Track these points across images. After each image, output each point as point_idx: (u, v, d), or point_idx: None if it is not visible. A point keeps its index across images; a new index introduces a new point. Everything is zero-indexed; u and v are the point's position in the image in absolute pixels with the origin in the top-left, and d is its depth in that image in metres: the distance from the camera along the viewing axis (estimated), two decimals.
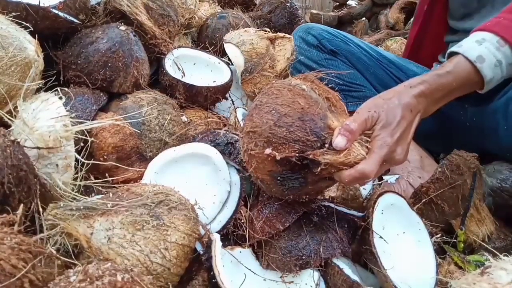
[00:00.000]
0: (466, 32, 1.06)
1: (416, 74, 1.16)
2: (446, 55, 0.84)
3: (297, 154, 0.67)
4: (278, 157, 0.67)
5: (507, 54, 0.79)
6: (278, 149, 0.68)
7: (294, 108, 0.69)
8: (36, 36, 0.87)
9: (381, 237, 0.77)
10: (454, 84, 0.78)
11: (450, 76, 0.77)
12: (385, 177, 1.07)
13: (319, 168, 0.68)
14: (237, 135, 0.98)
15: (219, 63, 1.28)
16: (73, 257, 0.64)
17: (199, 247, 0.73)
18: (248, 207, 0.85)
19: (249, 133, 0.71)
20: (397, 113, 0.72)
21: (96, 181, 0.79)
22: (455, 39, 1.11)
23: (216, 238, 0.70)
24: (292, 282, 0.76)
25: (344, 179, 0.69)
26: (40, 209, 0.66)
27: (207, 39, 1.43)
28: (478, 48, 0.78)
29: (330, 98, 0.74)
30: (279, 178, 0.71)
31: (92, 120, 0.91)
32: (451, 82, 0.78)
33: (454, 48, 0.81)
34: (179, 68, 1.21)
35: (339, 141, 0.67)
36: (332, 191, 0.93)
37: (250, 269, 0.74)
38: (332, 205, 0.86)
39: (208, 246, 0.69)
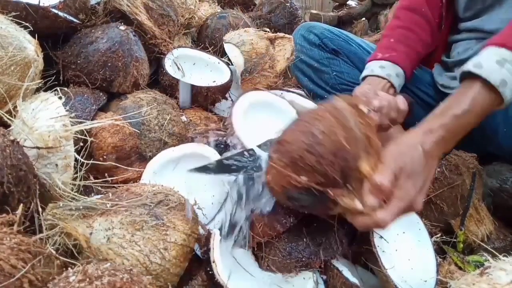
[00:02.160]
0: (471, 32, 1.05)
1: (416, 75, 1.17)
2: (461, 73, 0.78)
3: (319, 188, 0.64)
4: (299, 185, 0.65)
5: None
6: (301, 173, 0.64)
7: (331, 140, 0.64)
8: (36, 35, 0.87)
9: (381, 237, 0.77)
10: (473, 121, 0.75)
11: (470, 115, 0.74)
12: None
13: (335, 207, 0.67)
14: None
15: (219, 63, 1.28)
16: (73, 257, 0.64)
17: (197, 250, 0.73)
18: None
19: (279, 143, 0.68)
20: (421, 163, 0.69)
21: (96, 181, 0.79)
22: (459, 38, 1.10)
23: (216, 232, 0.70)
24: (292, 284, 0.76)
25: (357, 225, 0.68)
26: (40, 209, 0.65)
27: (207, 39, 1.43)
28: (500, 71, 0.72)
29: (369, 137, 0.69)
30: (292, 196, 0.69)
31: (92, 120, 0.91)
32: (471, 121, 0.75)
33: (473, 69, 0.75)
34: (179, 68, 1.21)
35: (371, 201, 0.65)
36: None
37: (246, 270, 0.74)
38: None
39: (207, 239, 0.69)
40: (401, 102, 0.89)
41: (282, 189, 0.68)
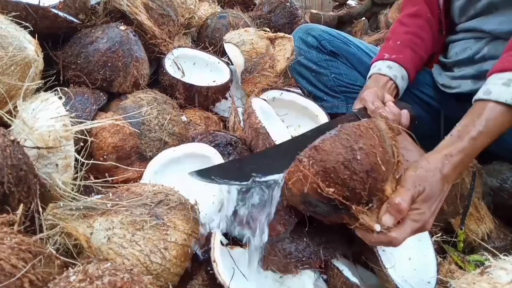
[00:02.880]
0: (469, 31, 1.05)
1: (416, 76, 1.17)
2: (473, 101, 0.82)
3: (343, 201, 0.65)
4: (323, 193, 0.65)
5: None
6: (330, 184, 0.65)
7: (369, 159, 0.65)
8: (36, 35, 0.87)
9: None
10: (489, 141, 0.77)
11: (486, 136, 0.76)
12: None
13: (351, 221, 0.67)
14: (236, 136, 0.98)
15: (219, 63, 1.28)
16: (73, 257, 0.64)
17: (198, 251, 0.73)
18: None
19: (315, 149, 0.67)
20: (438, 188, 0.72)
21: (96, 181, 0.79)
22: (456, 38, 1.10)
23: (216, 231, 0.70)
24: (292, 283, 0.76)
25: (369, 241, 0.69)
26: (40, 209, 0.65)
27: (207, 39, 1.43)
28: (508, 89, 0.76)
29: (398, 163, 0.70)
30: (309, 201, 0.69)
31: (92, 120, 0.91)
32: (487, 141, 0.77)
33: (482, 96, 0.78)
34: (179, 68, 1.21)
35: (387, 220, 0.67)
36: None
37: (241, 271, 0.74)
38: None
39: (207, 239, 0.69)
40: (405, 117, 0.91)
41: (302, 193, 0.68)
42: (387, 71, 1.04)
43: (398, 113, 0.90)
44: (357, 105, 0.93)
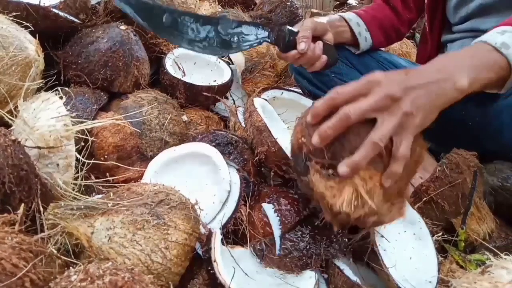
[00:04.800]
0: (466, 32, 1.05)
1: None
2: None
3: (307, 152, 0.64)
4: (298, 143, 0.65)
5: None
6: (304, 135, 0.64)
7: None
8: (37, 35, 0.87)
9: (382, 235, 0.77)
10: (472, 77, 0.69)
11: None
12: None
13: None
14: (237, 135, 0.98)
15: (219, 62, 1.28)
16: (74, 256, 0.64)
17: (199, 250, 0.73)
18: (247, 206, 0.85)
19: (309, 108, 0.66)
20: (397, 76, 0.63)
21: (97, 180, 0.79)
22: (453, 38, 1.10)
23: (217, 231, 0.70)
24: (293, 282, 0.76)
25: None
26: (41, 209, 0.66)
27: None
28: (501, 37, 0.71)
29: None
30: (294, 155, 0.70)
31: (93, 119, 0.92)
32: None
33: (474, 42, 0.75)
34: (179, 68, 1.21)
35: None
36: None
37: (243, 270, 0.74)
38: None
39: (208, 238, 0.69)
40: (318, 48, 0.97)
41: (292, 149, 0.70)
42: (345, 15, 1.12)
43: (317, 55, 0.97)
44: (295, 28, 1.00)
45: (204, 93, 1.14)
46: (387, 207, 0.62)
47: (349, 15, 1.14)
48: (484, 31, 0.98)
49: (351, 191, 0.60)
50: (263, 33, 1.00)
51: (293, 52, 0.98)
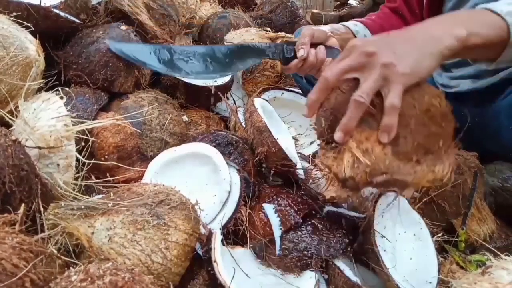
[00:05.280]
0: None
1: None
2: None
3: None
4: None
5: None
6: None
7: (337, 100, 0.64)
8: (37, 36, 0.87)
9: (383, 236, 0.77)
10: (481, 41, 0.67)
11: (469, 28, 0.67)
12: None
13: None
14: (237, 136, 0.98)
15: None
16: (74, 256, 0.64)
17: (199, 251, 0.73)
18: (248, 206, 0.85)
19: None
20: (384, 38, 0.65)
21: (97, 180, 0.79)
22: None
23: (217, 231, 0.70)
24: (293, 283, 0.76)
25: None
26: (41, 209, 0.66)
27: (208, 39, 1.43)
28: (508, 6, 0.68)
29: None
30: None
31: (93, 119, 0.91)
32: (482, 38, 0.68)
33: (479, 7, 0.72)
34: None
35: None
36: (332, 191, 0.93)
37: (243, 271, 0.74)
38: (333, 208, 0.86)
39: (208, 239, 0.69)
40: (320, 52, 0.97)
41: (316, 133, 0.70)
42: (351, 25, 1.10)
43: (320, 59, 0.95)
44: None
45: (206, 91, 1.14)
46: (403, 165, 0.60)
47: (356, 26, 1.12)
48: None
49: (350, 155, 0.60)
50: (261, 50, 1.00)
51: (295, 61, 0.98)
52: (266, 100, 1.10)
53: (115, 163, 0.88)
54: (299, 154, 0.96)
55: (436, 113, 0.63)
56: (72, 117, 0.78)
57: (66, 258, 0.61)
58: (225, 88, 1.22)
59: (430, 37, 0.63)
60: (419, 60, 0.61)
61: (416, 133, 0.61)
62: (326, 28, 1.07)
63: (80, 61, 1.00)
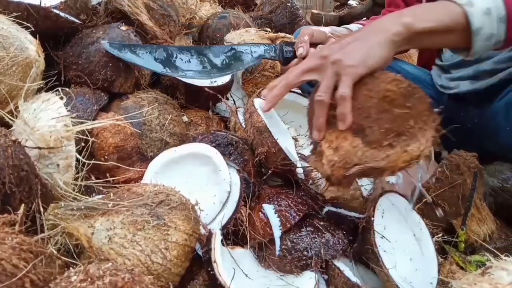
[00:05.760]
0: None
1: (417, 76, 1.17)
2: None
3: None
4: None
5: (498, 4, 0.69)
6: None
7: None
8: (37, 36, 0.87)
9: (383, 236, 0.77)
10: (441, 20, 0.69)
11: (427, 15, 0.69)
12: (387, 178, 1.07)
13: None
14: (237, 136, 0.98)
15: None
16: (74, 257, 0.64)
17: (199, 251, 0.73)
18: (247, 207, 0.85)
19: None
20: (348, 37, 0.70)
21: (97, 181, 0.79)
22: None
23: (217, 232, 0.70)
24: (293, 283, 0.76)
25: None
26: (41, 209, 0.66)
27: (208, 39, 1.43)
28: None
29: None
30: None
31: (93, 120, 0.91)
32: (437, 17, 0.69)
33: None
34: None
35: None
36: (332, 192, 0.93)
37: (243, 271, 0.74)
38: (333, 208, 0.86)
39: (208, 239, 0.69)
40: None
41: None
42: (353, 28, 1.12)
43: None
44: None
45: (206, 91, 1.13)
46: (377, 152, 0.63)
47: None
48: None
49: (325, 155, 0.66)
50: (259, 51, 1.01)
51: (294, 61, 0.99)
52: None
53: (115, 163, 0.88)
54: (299, 155, 0.96)
55: (395, 96, 0.66)
56: (72, 117, 0.78)
57: (66, 259, 0.61)
58: (225, 89, 1.22)
59: (378, 29, 0.68)
60: (367, 52, 0.66)
61: (380, 120, 0.64)
62: (326, 29, 1.08)
63: (80, 62, 1.00)
